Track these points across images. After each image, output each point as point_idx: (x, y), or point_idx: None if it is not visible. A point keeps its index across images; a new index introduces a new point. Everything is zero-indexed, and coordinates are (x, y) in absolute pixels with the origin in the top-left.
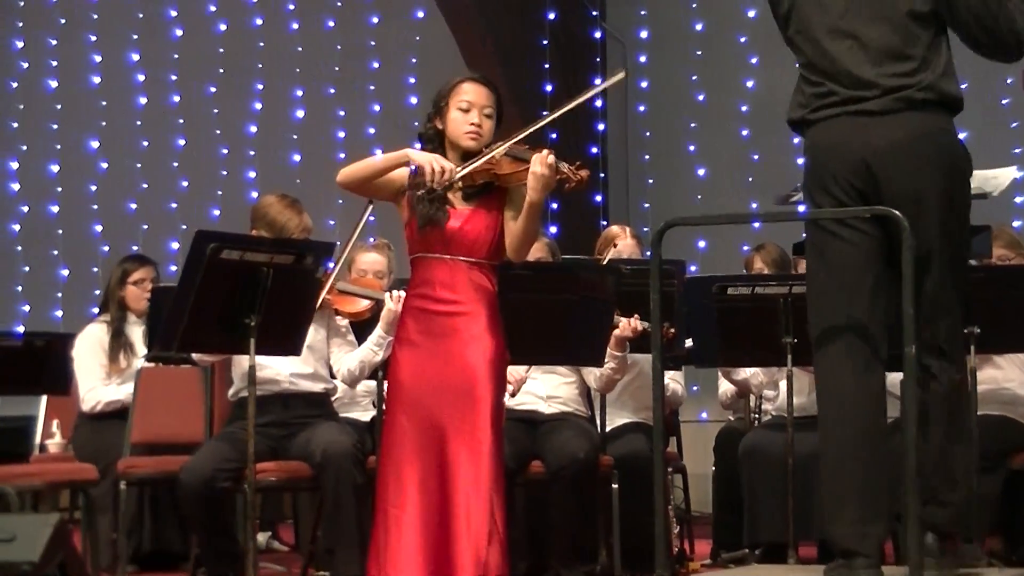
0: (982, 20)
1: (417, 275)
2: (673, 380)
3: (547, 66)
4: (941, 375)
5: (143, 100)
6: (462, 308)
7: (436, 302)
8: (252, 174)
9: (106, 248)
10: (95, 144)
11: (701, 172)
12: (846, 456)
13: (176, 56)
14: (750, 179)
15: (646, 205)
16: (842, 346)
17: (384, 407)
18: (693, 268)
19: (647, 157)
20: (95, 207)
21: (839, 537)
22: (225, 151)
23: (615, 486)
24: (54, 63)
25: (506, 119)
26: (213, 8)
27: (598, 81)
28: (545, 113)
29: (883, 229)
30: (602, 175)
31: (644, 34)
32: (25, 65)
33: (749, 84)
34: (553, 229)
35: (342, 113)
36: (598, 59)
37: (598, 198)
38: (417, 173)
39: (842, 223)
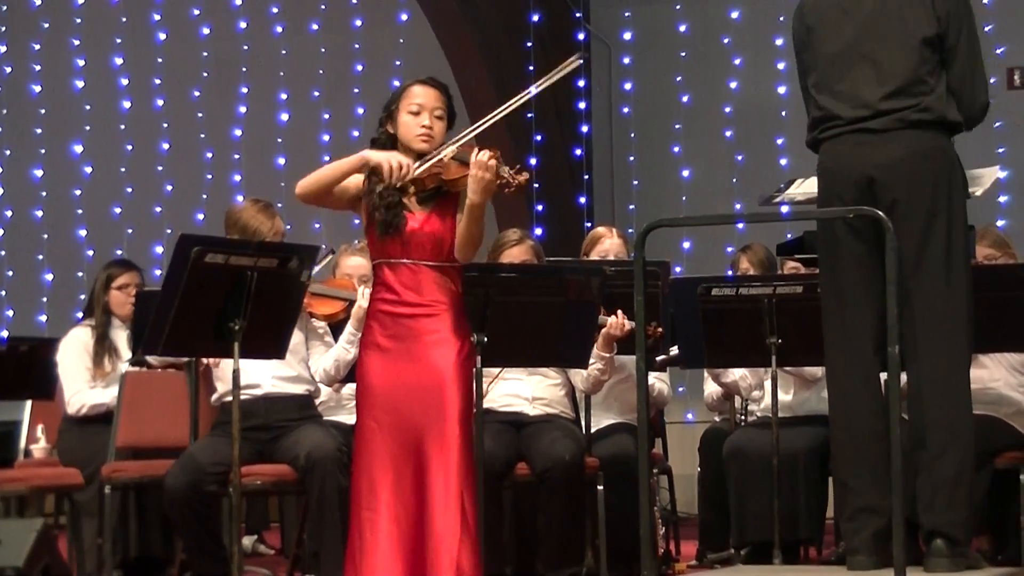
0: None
1: (381, 280)
2: (659, 380)
3: (532, 68)
4: None
5: (127, 104)
6: (427, 310)
7: (401, 305)
8: (237, 178)
9: (91, 253)
10: (79, 148)
11: (686, 174)
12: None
13: (160, 60)
14: (735, 180)
15: (631, 207)
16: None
17: None
18: (678, 269)
19: (632, 159)
20: (80, 211)
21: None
22: (210, 155)
23: (601, 487)
24: (38, 67)
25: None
26: (197, 12)
27: (581, 83)
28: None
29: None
30: (586, 177)
31: (628, 36)
32: (8, 70)
33: (733, 86)
34: (538, 231)
35: (327, 116)
36: (582, 61)
37: (583, 200)
38: (375, 172)
39: (850, 231)
